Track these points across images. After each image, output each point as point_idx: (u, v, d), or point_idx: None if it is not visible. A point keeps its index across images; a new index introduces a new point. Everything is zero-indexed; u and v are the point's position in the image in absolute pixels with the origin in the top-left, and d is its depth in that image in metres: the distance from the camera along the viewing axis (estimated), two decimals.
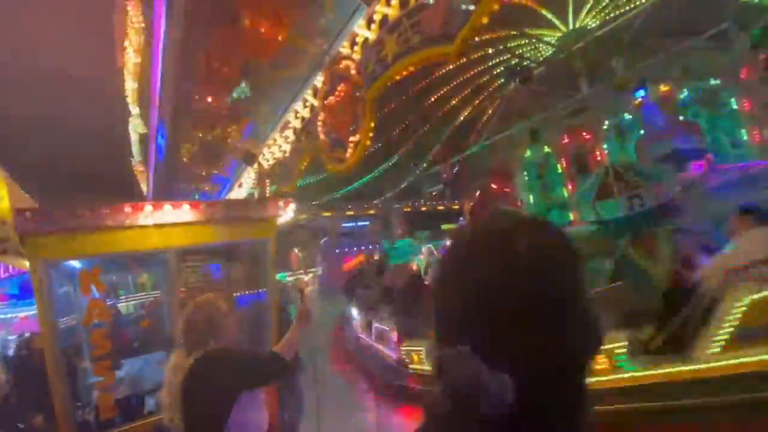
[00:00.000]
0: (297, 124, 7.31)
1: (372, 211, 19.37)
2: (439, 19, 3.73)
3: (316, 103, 6.50)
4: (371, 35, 4.78)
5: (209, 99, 7.22)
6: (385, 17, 4.50)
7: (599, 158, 13.21)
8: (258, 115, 7.81)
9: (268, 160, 8.76)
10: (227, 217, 3.26)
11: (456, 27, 3.57)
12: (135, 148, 15.25)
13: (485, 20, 3.36)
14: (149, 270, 3.71)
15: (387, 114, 9.66)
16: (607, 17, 10.01)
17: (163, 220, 2.98)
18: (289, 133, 7.70)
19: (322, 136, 6.36)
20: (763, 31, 7.21)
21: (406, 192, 17.79)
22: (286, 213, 3.61)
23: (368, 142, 5.20)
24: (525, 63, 9.69)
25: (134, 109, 12.38)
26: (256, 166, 9.09)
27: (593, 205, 10.52)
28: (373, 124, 5.17)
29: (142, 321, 3.89)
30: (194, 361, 2.10)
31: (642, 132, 12.27)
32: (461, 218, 20.51)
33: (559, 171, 14.14)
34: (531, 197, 14.75)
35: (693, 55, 9.82)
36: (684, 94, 11.74)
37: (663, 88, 11.72)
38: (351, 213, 18.84)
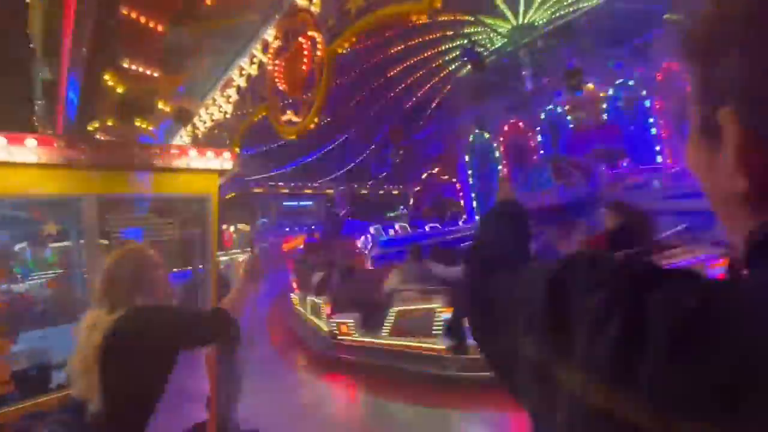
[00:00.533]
0: (242, 82, 6.69)
1: (314, 191, 18.85)
2: None
3: (265, 59, 5.97)
4: None
5: (134, 44, 6.31)
6: None
7: (535, 150, 14.11)
8: (196, 70, 7.03)
9: (205, 122, 7.98)
10: (159, 164, 2.81)
11: None
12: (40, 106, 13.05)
13: None
14: (60, 221, 3.09)
15: (338, 89, 9.31)
16: (554, 16, 10.53)
17: (78, 161, 2.48)
18: (232, 91, 7.05)
19: (271, 97, 5.88)
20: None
21: (352, 173, 17.52)
22: (232, 166, 3.22)
23: (323, 104, 4.89)
24: (479, 50, 9.85)
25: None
26: (190, 128, 8.24)
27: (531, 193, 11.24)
28: (329, 85, 4.85)
29: (50, 283, 3.26)
30: (118, 318, 1.73)
31: (571, 128, 13.33)
32: (403, 207, 20.87)
33: (499, 162, 14.85)
34: (472, 186, 15.30)
35: (618, 60, 10.71)
36: (608, 95, 12.81)
37: (590, 87, 12.69)
38: (297, 191, 18.10)
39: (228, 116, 7.12)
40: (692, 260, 3.26)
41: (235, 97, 6.97)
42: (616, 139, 12.71)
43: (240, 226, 17.91)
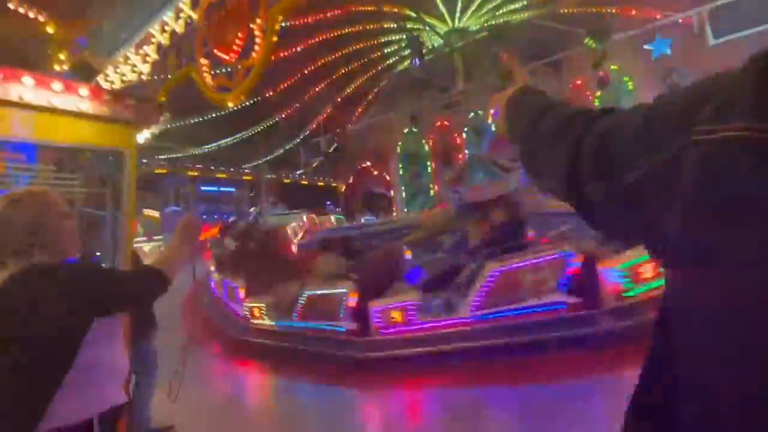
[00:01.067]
0: (164, 39, 5.91)
1: (235, 176, 17.47)
2: None
3: (195, 16, 5.35)
4: None
5: None
6: None
7: (461, 150, 14.95)
8: (103, 19, 6.04)
9: (113, 83, 6.91)
10: (66, 105, 2.26)
11: None
12: None
13: None
14: None
15: (272, 68, 8.76)
16: (486, 23, 11.18)
17: None
18: (151, 50, 6.20)
19: (201, 59, 5.28)
20: (599, 54, 9.14)
21: (280, 161, 16.69)
22: (157, 123, 2.74)
23: (262, 70, 4.52)
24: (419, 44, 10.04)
25: None
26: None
27: (452, 193, 11.85)
28: (270, 50, 4.51)
29: None
30: (10, 276, 1.36)
31: (494, 134, 14.44)
32: (330, 203, 20.51)
33: (428, 161, 15.43)
34: (402, 182, 15.64)
35: (536, 75, 11.78)
36: None
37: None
38: (218, 175, 16.55)
39: (144, 78, 6.23)
40: (557, 255, 3.68)
41: (154, 56, 6.13)
42: None
43: (146, 212, 15.94)
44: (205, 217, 16.51)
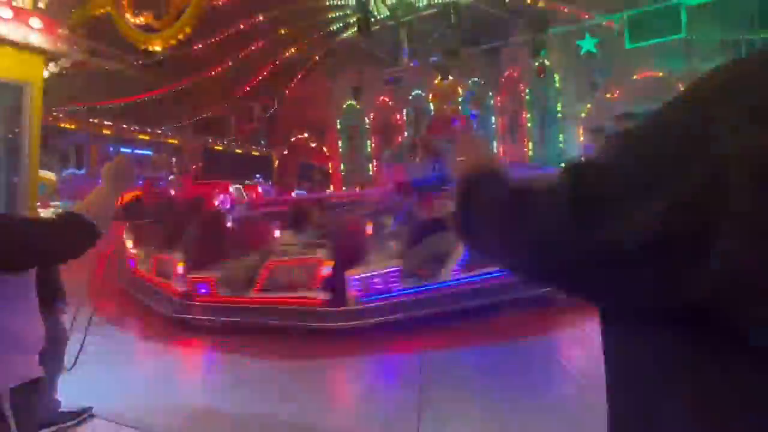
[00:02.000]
0: None
1: (153, 138, 15.52)
2: None
3: None
4: None
5: None
6: None
7: (401, 128, 15.05)
8: None
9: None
10: None
11: None
12: None
13: None
14: None
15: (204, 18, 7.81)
16: (431, 3, 11.15)
17: None
18: None
19: None
20: (539, 43, 9.64)
21: (207, 125, 15.21)
22: (69, 53, 2.22)
23: (198, 11, 4.05)
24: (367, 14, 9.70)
25: None
26: None
27: (391, 168, 11.96)
28: None
29: None
30: None
31: (432, 113, 14.81)
32: (258, 176, 19.35)
33: (368, 138, 15.28)
34: (341, 157, 15.31)
35: (474, 59, 12.18)
36: (464, 94, 14.63)
37: (452, 85, 14.21)
38: (133, 135, 14.47)
39: (41, 6, 5.15)
40: None
41: None
42: (467, 128, 14.68)
43: (41, 173, 13.59)
44: None
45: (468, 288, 4.11)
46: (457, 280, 4.16)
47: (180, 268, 5.45)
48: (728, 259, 0.32)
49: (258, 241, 5.62)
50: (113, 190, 1.43)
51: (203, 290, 5.06)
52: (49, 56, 2.27)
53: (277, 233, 5.55)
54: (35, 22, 2.13)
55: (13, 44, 2.08)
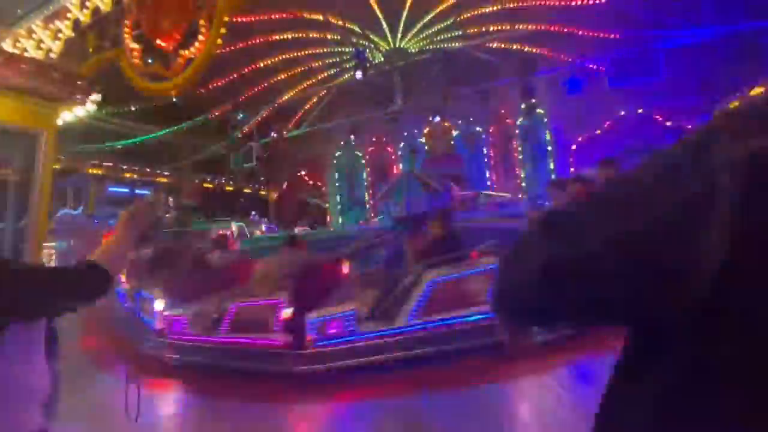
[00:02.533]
0: (83, 16, 5.25)
1: (149, 178, 15.68)
2: None
3: None
4: None
5: None
6: None
7: (395, 166, 15.44)
8: None
9: None
10: None
11: None
12: None
13: None
14: None
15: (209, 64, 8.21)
16: (424, 47, 11.81)
17: None
18: (64, 26, 5.47)
19: (131, 43, 4.81)
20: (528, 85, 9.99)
21: (206, 164, 15.48)
22: (84, 103, 2.33)
23: (206, 61, 4.26)
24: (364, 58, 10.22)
25: None
26: None
27: (387, 206, 12.13)
28: (217, 41, 4.28)
29: None
30: None
31: (426, 153, 15.27)
32: (254, 214, 19.48)
33: (364, 174, 15.63)
34: (338, 193, 15.54)
35: (462, 101, 12.70)
36: (456, 132, 15.17)
37: (444, 124, 14.75)
38: (129, 174, 14.64)
39: (53, 56, 5.41)
40: (489, 266, 3.99)
41: (68, 33, 5.41)
42: (459, 166, 15.08)
43: None
44: (111, 222, 14.59)
45: (424, 334, 3.93)
46: (414, 325, 3.97)
47: (158, 305, 5.42)
48: (714, 262, 0.33)
49: (243, 278, 5.55)
50: (130, 235, 1.44)
51: (176, 328, 5.00)
52: (64, 106, 2.39)
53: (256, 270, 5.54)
54: (54, 74, 2.26)
55: (32, 94, 2.19)
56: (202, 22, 4.19)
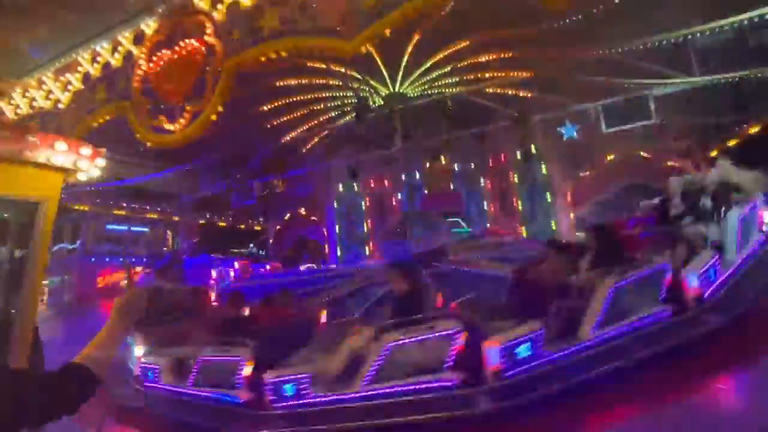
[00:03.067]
0: (94, 70, 5.43)
1: (150, 215, 15.71)
2: (338, 13, 3.58)
3: (136, 52, 5.04)
4: (245, 0, 4.15)
5: None
6: None
7: (396, 206, 15.55)
8: (21, 35, 5.39)
9: (17, 107, 6.06)
10: None
11: (352, 27, 3.49)
12: None
13: (388, 31, 3.41)
14: None
15: None
16: (423, 93, 12.19)
17: None
18: (75, 78, 5.64)
19: (138, 96, 4.93)
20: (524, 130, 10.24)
21: (206, 202, 15.53)
22: (87, 168, 2.31)
23: (213, 117, 4.35)
24: (364, 104, 10.50)
25: None
26: None
27: (388, 245, 12.08)
28: (223, 98, 4.38)
29: None
30: None
31: (426, 192, 15.46)
32: (252, 244, 19.43)
33: (364, 211, 15.70)
34: (338, 230, 15.54)
35: (460, 142, 12.98)
36: (455, 170, 15.44)
37: (443, 162, 15.01)
38: (127, 212, 14.63)
39: (61, 106, 5.54)
40: (448, 331, 3.70)
41: (78, 85, 5.57)
42: (458, 204, 15.21)
43: None
44: (108, 260, 14.42)
45: (381, 402, 3.55)
46: (371, 391, 3.62)
47: (137, 350, 5.24)
48: None
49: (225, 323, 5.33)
50: (122, 325, 1.39)
51: (150, 376, 4.82)
52: (69, 174, 2.38)
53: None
54: (60, 146, 2.26)
55: (37, 165, 2.19)
56: (209, 79, 4.31)
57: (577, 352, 3.57)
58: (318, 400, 3.76)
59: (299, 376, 3.82)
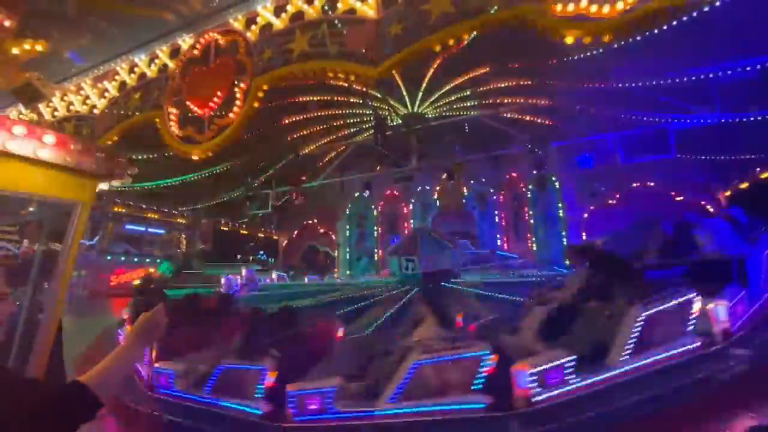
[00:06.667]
0: (130, 80, 5.71)
1: (174, 219, 16.07)
2: (365, 39, 3.74)
3: (172, 64, 5.31)
4: (278, 23, 4.36)
5: None
6: (300, 13, 4.21)
7: (407, 221, 15.64)
8: (64, 43, 5.73)
9: (55, 110, 6.38)
10: (23, 151, 1.98)
11: (380, 53, 3.64)
12: None
13: (411, 57, 3.54)
14: None
15: None
16: (441, 114, 12.38)
17: None
18: (112, 86, 5.93)
19: (170, 107, 5.17)
20: (540, 157, 10.25)
21: (221, 208, 15.86)
22: (120, 175, 2.47)
23: (240, 132, 4.53)
24: (382, 122, 10.71)
25: None
26: (32, 114, 6.50)
27: (398, 260, 12.07)
28: (250, 113, 4.56)
29: None
30: None
31: (438, 210, 15.52)
32: (263, 252, 19.62)
33: (375, 226, 15.82)
34: (348, 243, 15.65)
35: (474, 164, 13.09)
36: (468, 191, 15.50)
37: (456, 183, 15.09)
38: (148, 214, 15.04)
39: (96, 111, 5.82)
40: (476, 353, 3.69)
41: (114, 93, 5.85)
42: (470, 224, 15.21)
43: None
44: (123, 259, 14.75)
45: (406, 420, 3.50)
46: (393, 409, 3.57)
47: (151, 354, 5.21)
48: None
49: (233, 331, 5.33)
50: (142, 345, 1.39)
51: (163, 382, 4.77)
52: (103, 179, 2.53)
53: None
54: (98, 155, 2.42)
55: (75, 171, 2.34)
56: (238, 94, 4.50)
57: (608, 380, 3.52)
58: (341, 415, 3.66)
59: (324, 389, 3.74)
